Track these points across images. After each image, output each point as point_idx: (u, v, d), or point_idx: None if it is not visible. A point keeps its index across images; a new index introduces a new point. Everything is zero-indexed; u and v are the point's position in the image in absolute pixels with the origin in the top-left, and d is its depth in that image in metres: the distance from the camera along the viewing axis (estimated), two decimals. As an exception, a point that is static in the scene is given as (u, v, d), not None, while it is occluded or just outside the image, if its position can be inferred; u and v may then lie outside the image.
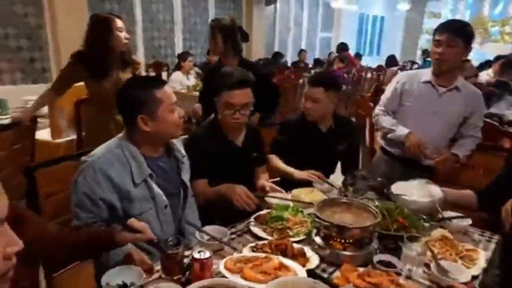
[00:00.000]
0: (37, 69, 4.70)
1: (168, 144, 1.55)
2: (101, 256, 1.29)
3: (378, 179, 1.85)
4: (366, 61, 9.09)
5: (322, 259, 1.32)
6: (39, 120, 2.99)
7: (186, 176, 1.60)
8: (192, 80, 5.07)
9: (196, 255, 1.11)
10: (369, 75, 7.07)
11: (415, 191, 1.69)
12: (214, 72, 2.66)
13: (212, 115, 1.93)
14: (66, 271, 1.45)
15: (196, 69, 5.39)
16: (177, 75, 5.01)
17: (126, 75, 2.47)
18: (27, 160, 2.41)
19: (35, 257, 1.02)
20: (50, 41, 4.68)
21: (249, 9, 7.33)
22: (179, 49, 6.20)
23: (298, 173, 2.00)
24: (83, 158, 1.39)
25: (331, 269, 1.29)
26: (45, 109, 2.96)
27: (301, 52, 7.86)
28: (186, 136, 1.88)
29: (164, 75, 5.56)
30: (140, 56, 5.85)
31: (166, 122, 1.42)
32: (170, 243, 1.20)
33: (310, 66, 7.51)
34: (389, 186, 1.78)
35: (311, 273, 1.23)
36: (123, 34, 2.43)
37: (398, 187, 1.76)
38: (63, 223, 1.49)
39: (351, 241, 1.33)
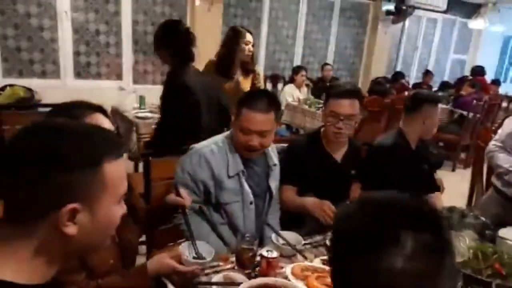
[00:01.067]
0: (173, 73, 5.40)
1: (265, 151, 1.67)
2: None
3: (482, 218, 1.67)
4: (506, 89, 7.99)
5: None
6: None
7: (273, 183, 1.70)
8: (303, 93, 5.20)
9: (265, 253, 1.20)
10: (504, 104, 6.20)
11: (528, 240, 1.48)
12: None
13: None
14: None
15: (309, 82, 5.51)
16: (290, 88, 5.20)
17: (246, 82, 2.94)
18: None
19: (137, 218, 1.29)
20: (187, 50, 5.34)
21: (374, 26, 7.17)
22: (297, 63, 6.42)
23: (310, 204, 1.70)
24: (192, 145, 1.61)
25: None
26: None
27: (427, 73, 7.33)
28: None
29: (279, 87, 5.82)
30: (261, 68, 6.24)
31: None
32: (247, 238, 1.31)
33: (435, 89, 6.94)
34: (497, 229, 1.59)
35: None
36: (248, 47, 2.89)
37: (509, 232, 1.56)
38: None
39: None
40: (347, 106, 1.75)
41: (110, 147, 0.65)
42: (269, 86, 5.71)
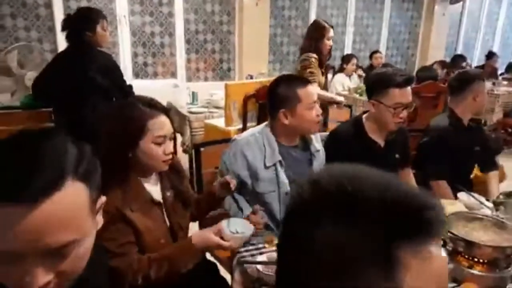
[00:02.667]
0: (224, 69, 5.57)
1: (304, 137, 1.71)
2: None
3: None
4: None
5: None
6: (216, 110, 3.63)
7: (317, 170, 1.72)
8: (354, 82, 5.09)
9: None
10: None
11: None
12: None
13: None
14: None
15: (360, 71, 5.37)
16: (340, 77, 5.12)
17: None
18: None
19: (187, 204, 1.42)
20: (237, 46, 5.47)
21: (430, 8, 6.78)
22: (347, 52, 6.28)
23: None
24: (234, 136, 1.69)
25: (450, 285, 1.21)
26: (222, 102, 3.55)
27: (491, 55, 6.79)
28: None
29: (329, 76, 5.74)
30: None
31: (303, 118, 1.58)
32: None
33: (501, 72, 6.42)
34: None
35: None
36: (329, 42, 3.06)
37: None
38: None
39: (481, 260, 1.21)
40: (409, 94, 1.74)
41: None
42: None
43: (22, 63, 3.23)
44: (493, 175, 2.13)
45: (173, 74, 5.22)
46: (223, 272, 1.71)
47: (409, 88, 1.73)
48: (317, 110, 1.61)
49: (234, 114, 3.30)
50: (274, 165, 1.61)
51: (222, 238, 1.22)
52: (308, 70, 3.02)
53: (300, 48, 3.22)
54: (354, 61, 5.13)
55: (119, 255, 1.17)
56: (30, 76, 3.19)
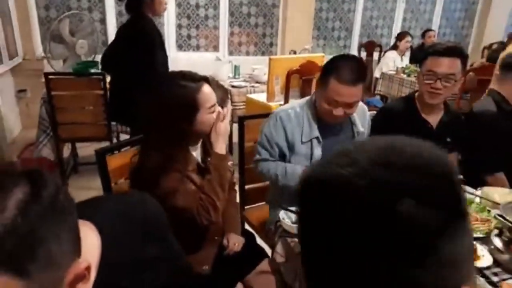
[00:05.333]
0: (266, 44, 5.48)
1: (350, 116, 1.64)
2: None
3: None
4: None
5: (497, 263, 1.19)
6: (258, 85, 3.59)
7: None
8: (406, 62, 4.86)
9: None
10: None
11: None
12: None
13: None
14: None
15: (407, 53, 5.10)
16: (392, 54, 4.91)
17: None
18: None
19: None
20: (280, 20, 5.35)
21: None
22: (396, 29, 5.97)
23: None
24: (275, 109, 1.67)
25: (505, 276, 1.15)
26: (264, 77, 3.51)
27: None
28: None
29: (375, 55, 5.51)
30: (355, 35, 5.96)
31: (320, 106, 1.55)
32: None
33: None
34: None
35: (476, 270, 1.14)
36: None
37: None
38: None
39: (539, 251, 1.14)
40: (447, 65, 1.63)
41: None
42: (363, 55, 5.44)
43: (73, 32, 3.33)
44: None
45: (216, 48, 5.21)
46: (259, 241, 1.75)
47: (446, 58, 1.62)
48: (340, 108, 1.49)
49: (276, 89, 3.26)
50: (310, 141, 1.60)
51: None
52: None
53: None
54: (409, 38, 4.87)
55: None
56: (81, 44, 3.30)
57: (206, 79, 1.34)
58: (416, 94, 1.82)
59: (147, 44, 2.51)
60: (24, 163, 3.12)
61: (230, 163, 1.47)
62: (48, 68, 3.49)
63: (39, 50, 4.32)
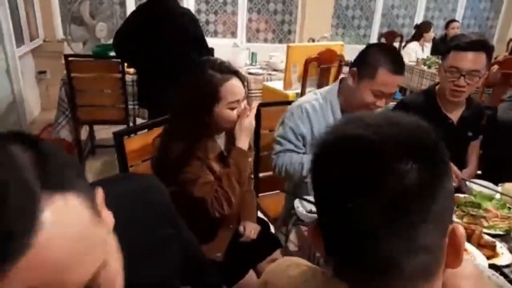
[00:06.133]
0: (284, 31, 5.41)
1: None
2: None
3: None
4: None
5: (517, 262, 1.17)
6: (275, 72, 3.56)
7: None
8: (427, 53, 4.73)
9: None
10: None
11: None
12: None
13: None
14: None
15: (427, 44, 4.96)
16: (414, 45, 4.77)
17: None
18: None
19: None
20: (300, 7, 5.26)
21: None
22: (419, 19, 5.81)
23: None
24: (297, 100, 1.64)
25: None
26: (281, 65, 3.47)
27: None
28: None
29: (396, 45, 5.39)
30: (375, 25, 5.83)
31: (359, 94, 1.48)
32: None
33: None
34: None
35: (495, 268, 1.12)
36: None
37: None
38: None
39: None
40: (471, 60, 1.55)
41: None
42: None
43: (93, 14, 3.35)
44: None
45: (233, 34, 5.17)
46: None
47: (470, 53, 1.55)
48: (384, 99, 1.47)
49: (293, 77, 3.22)
50: None
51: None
52: None
53: None
54: (432, 29, 4.74)
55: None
56: (100, 27, 3.31)
57: (236, 73, 1.33)
58: (437, 87, 1.75)
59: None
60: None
61: (250, 159, 1.46)
62: (68, 50, 3.52)
63: (60, 32, 4.36)
